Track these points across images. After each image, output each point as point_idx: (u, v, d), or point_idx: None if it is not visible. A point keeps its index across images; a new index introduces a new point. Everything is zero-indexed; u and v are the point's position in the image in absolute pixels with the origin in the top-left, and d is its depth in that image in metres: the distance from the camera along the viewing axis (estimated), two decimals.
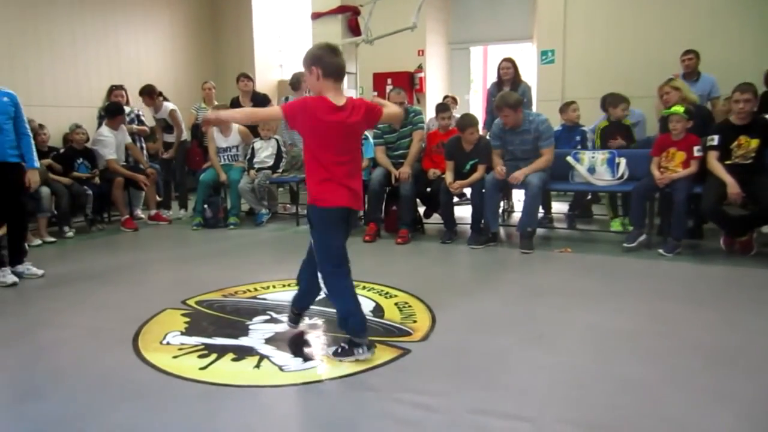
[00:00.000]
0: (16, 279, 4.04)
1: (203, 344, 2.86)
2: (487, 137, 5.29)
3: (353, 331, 2.61)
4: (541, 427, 2.02)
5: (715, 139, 4.46)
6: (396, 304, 3.45)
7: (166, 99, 6.90)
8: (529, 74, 8.24)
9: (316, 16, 5.94)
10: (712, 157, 4.46)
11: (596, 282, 3.88)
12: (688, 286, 3.77)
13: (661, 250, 4.51)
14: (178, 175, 7.01)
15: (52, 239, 5.46)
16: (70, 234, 5.69)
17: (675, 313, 3.20)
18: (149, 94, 6.72)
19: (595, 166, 5.12)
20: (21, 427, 2.11)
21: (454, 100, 7.95)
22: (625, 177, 5.00)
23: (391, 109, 2.85)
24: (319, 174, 2.59)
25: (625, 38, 7.92)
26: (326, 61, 2.55)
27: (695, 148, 4.55)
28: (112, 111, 6.17)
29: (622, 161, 5.02)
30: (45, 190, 5.43)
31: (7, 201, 4.09)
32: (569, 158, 5.20)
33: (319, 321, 3.19)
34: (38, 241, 5.33)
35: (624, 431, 1.99)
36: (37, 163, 4.27)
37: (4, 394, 2.37)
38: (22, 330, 3.12)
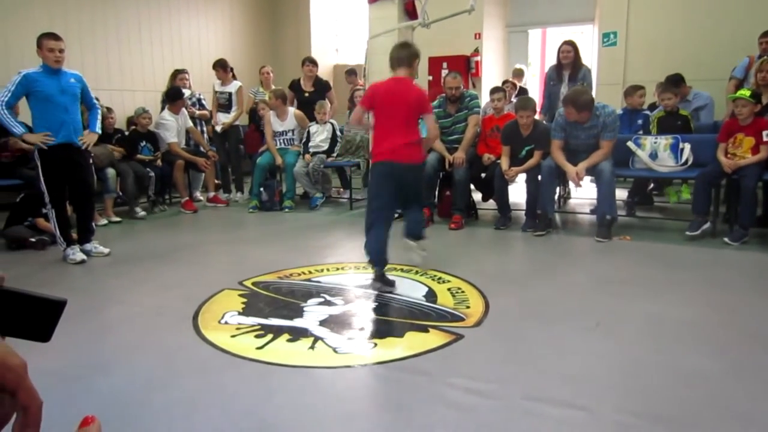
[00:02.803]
0: (84, 257, 4.25)
1: (260, 324, 2.94)
2: (544, 122, 5.16)
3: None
4: (598, 416, 1.98)
5: None
6: (449, 289, 3.43)
7: (234, 76, 7.05)
8: (589, 57, 7.97)
9: (373, 0, 5.90)
10: None
11: (657, 271, 3.75)
12: (754, 277, 3.62)
13: (726, 239, 4.33)
14: (233, 158, 7.09)
15: (118, 219, 5.72)
16: (142, 214, 5.91)
17: (740, 304, 3.07)
18: (223, 66, 6.87)
19: (657, 152, 4.91)
20: (89, 399, 2.23)
21: (514, 85, 7.79)
22: (690, 163, 4.79)
23: None
24: None
25: (693, 19, 7.52)
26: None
27: (765, 132, 4.33)
28: (172, 95, 6.37)
29: (687, 147, 4.81)
30: (111, 171, 5.68)
31: (75, 181, 4.29)
32: (630, 143, 5.01)
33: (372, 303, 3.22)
34: (105, 221, 5.59)
35: (686, 423, 1.93)
36: (98, 129, 4.48)
37: (77, 366, 2.50)
38: (91, 306, 3.29)
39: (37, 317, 0.59)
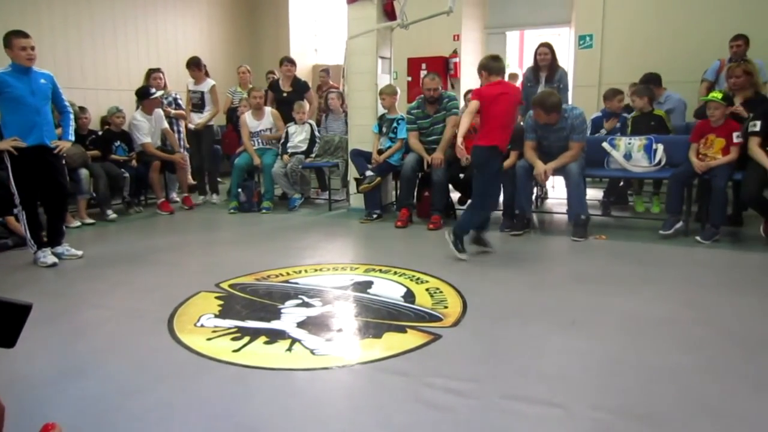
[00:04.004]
0: (56, 259, 4.17)
1: (236, 327, 2.91)
2: (521, 123, 5.20)
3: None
4: (574, 413, 2.00)
5: (757, 125, 4.36)
6: (427, 289, 3.44)
7: (207, 75, 6.88)
8: (565, 59, 8.07)
9: (352, 0, 5.89)
10: (754, 143, 4.35)
11: (632, 269, 3.81)
12: (725, 274, 3.70)
13: (698, 238, 4.43)
14: (207, 159, 6.84)
15: (92, 221, 5.61)
16: (113, 216, 5.80)
17: (712, 301, 3.14)
18: (196, 65, 6.70)
19: (631, 153, 4.99)
20: (63, 403, 2.18)
21: None
22: (663, 163, 4.88)
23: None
24: None
25: (667, 22, 7.68)
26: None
27: (735, 134, 4.46)
28: (141, 95, 6.25)
29: (660, 147, 4.89)
30: (84, 172, 5.57)
31: (46, 183, 4.19)
32: (605, 144, 5.09)
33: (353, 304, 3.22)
34: (78, 223, 5.48)
35: (661, 420, 1.96)
36: (72, 137, 4.37)
37: (48, 371, 2.45)
38: (63, 310, 3.22)
39: (2, 322, 0.57)
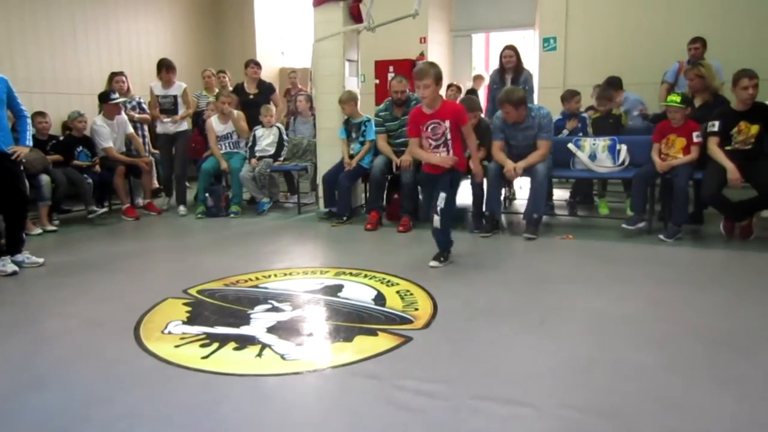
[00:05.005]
0: (16, 268, 4.04)
1: (205, 333, 2.86)
2: (486, 120, 5.26)
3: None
4: (543, 412, 2.03)
5: (716, 125, 4.47)
6: (398, 292, 3.44)
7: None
8: (531, 61, 8.19)
9: (318, 3, 5.87)
10: (713, 143, 4.47)
11: (598, 268, 3.89)
12: (688, 271, 3.79)
13: (661, 236, 4.53)
14: (179, 165, 6.50)
15: (53, 228, 5.46)
16: (56, 223, 5.65)
17: (676, 298, 3.22)
18: (170, 67, 6.31)
19: (596, 153, 5.10)
20: (24, 416, 2.12)
21: (459, 88, 7.90)
22: (626, 163, 5.00)
23: None
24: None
25: (628, 25, 7.88)
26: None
27: (695, 134, 4.58)
28: (100, 98, 6.12)
29: (623, 148, 5.01)
30: (45, 178, 5.42)
31: (4, 189, 4.07)
32: (571, 145, 5.19)
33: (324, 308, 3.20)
34: (39, 230, 5.33)
35: (626, 416, 2.00)
36: (30, 143, 4.25)
37: (7, 383, 2.37)
38: (24, 319, 3.13)
39: None
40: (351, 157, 5.67)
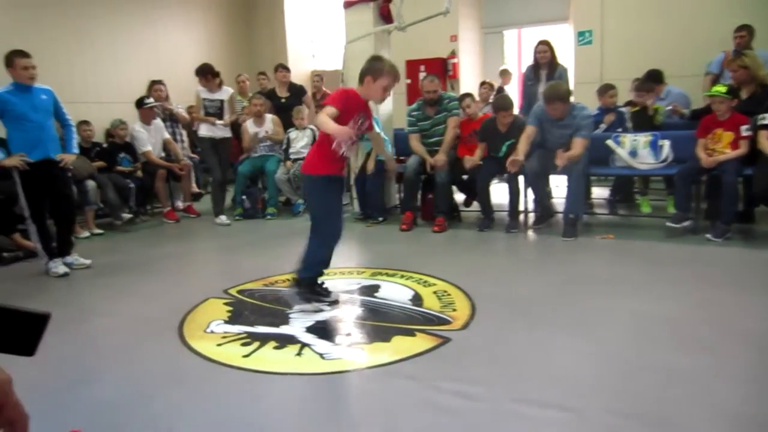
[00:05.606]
0: (67, 269, 4.21)
1: (246, 332, 2.92)
2: (522, 117, 5.20)
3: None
4: (587, 417, 1.99)
5: (766, 118, 4.27)
6: (435, 292, 3.44)
7: (222, 82, 6.43)
8: (565, 56, 8.05)
9: (348, 4, 5.90)
10: (765, 137, 4.26)
11: (640, 269, 3.77)
12: (738, 273, 3.63)
13: (708, 236, 4.33)
14: (221, 172, 6.10)
15: (100, 231, 5.65)
16: (128, 216, 5.95)
17: (725, 301, 3.09)
18: (209, 72, 6.12)
19: (637, 150, 4.97)
20: (74, 410, 2.20)
21: (491, 86, 7.84)
22: (669, 160, 4.84)
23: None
24: None
25: (669, 14, 7.59)
26: None
27: (743, 127, 4.35)
28: (136, 104, 6.31)
29: (666, 144, 4.86)
30: (91, 184, 5.61)
31: (54, 195, 4.25)
32: (609, 142, 5.06)
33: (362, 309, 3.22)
34: (86, 233, 5.52)
35: (675, 424, 1.93)
36: (76, 150, 4.45)
37: (61, 379, 2.47)
38: (74, 318, 3.24)
39: (21, 331, 0.58)
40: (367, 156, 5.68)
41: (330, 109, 2.97)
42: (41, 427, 2.03)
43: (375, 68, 3.11)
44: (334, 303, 3.27)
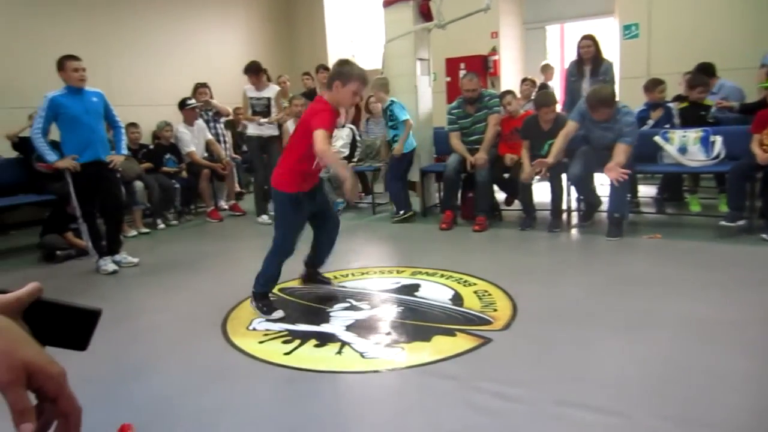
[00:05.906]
0: (116, 267, 4.36)
1: (287, 330, 2.95)
2: (565, 115, 5.08)
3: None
4: (634, 422, 1.93)
5: None
6: (475, 292, 3.41)
7: (269, 80, 6.54)
8: (610, 51, 7.84)
9: (387, 3, 5.91)
10: None
11: (689, 270, 3.64)
12: None
13: (764, 235, 4.16)
14: (261, 173, 6.07)
15: (147, 230, 5.83)
16: (162, 226, 6.04)
17: None
18: (256, 70, 6.18)
19: (686, 146, 4.79)
20: (124, 404, 2.28)
21: (533, 82, 7.71)
22: (722, 157, 4.66)
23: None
24: None
25: (719, 4, 7.29)
26: None
27: None
28: (179, 105, 6.51)
29: (718, 140, 4.67)
30: (138, 184, 5.79)
31: (104, 195, 4.40)
32: (658, 138, 4.90)
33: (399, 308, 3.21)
34: (134, 232, 5.70)
35: (725, 429, 1.86)
36: (125, 151, 4.59)
37: (113, 373, 2.56)
38: (123, 314, 3.35)
39: (75, 327, 0.60)
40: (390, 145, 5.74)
41: (325, 134, 2.85)
42: (93, 420, 2.10)
43: (344, 73, 3.01)
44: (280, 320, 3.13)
